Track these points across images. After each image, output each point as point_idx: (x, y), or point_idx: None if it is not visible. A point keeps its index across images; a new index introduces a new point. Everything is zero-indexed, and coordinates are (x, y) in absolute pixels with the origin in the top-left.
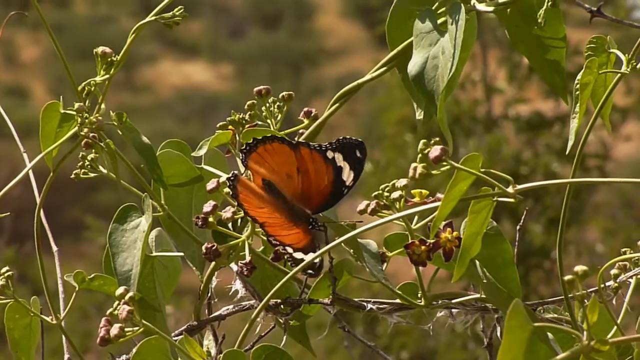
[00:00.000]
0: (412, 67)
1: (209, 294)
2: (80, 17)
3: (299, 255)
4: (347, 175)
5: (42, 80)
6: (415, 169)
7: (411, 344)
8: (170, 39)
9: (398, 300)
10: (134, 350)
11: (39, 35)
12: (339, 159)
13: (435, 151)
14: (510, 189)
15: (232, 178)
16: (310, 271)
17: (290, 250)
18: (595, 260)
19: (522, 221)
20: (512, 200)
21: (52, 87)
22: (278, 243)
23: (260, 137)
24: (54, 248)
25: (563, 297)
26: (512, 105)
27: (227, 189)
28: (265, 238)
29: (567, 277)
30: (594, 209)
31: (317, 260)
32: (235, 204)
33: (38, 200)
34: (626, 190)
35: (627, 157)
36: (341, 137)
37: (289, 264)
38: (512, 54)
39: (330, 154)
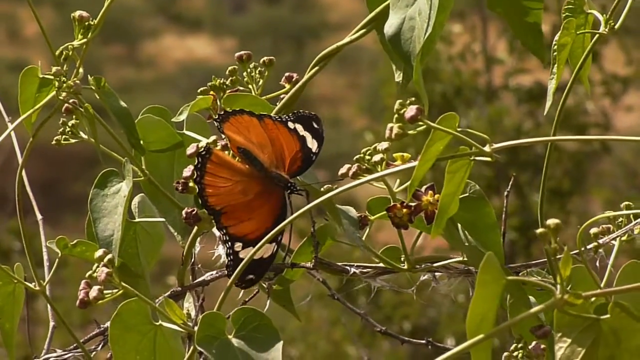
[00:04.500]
0: (389, 28)
1: (192, 260)
2: None
3: (244, 253)
4: (311, 144)
5: (44, 55)
6: (391, 129)
7: (413, 315)
8: (173, 14)
9: (382, 265)
10: (114, 313)
11: (41, 11)
12: (300, 129)
13: (411, 111)
14: (487, 148)
15: (204, 153)
16: (250, 276)
17: (238, 247)
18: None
19: (509, 187)
20: (489, 159)
21: (55, 62)
22: (227, 238)
23: (230, 110)
24: (38, 217)
25: (546, 259)
26: (513, 75)
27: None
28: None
29: (539, 230)
30: (596, 180)
31: (265, 256)
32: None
33: (20, 161)
34: (628, 160)
35: (629, 129)
36: (296, 111)
37: (227, 270)
38: None
39: (291, 125)
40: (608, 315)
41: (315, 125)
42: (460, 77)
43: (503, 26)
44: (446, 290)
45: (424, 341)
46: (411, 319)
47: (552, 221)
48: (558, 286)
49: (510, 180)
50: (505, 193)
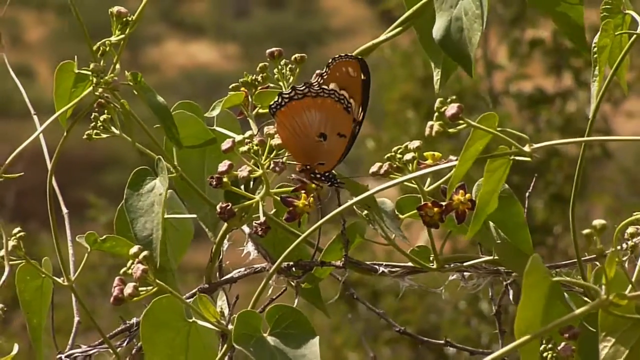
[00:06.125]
0: (437, 31)
1: (221, 257)
2: None
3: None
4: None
5: (47, 60)
6: (431, 127)
7: (415, 321)
8: (176, 19)
9: (410, 264)
10: (145, 309)
11: (44, 16)
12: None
13: (452, 109)
14: (526, 148)
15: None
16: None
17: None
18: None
19: (530, 188)
20: (528, 159)
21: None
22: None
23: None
24: (64, 210)
25: (576, 260)
26: (513, 81)
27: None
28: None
29: (585, 231)
30: (598, 186)
31: None
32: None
33: (49, 165)
34: (630, 167)
35: (631, 134)
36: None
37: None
38: (512, 30)
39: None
40: None
41: (363, 77)
42: (461, 83)
43: (503, 32)
44: (475, 291)
45: (442, 342)
46: (413, 325)
47: (598, 222)
48: (603, 287)
49: (519, 186)
50: (527, 194)
